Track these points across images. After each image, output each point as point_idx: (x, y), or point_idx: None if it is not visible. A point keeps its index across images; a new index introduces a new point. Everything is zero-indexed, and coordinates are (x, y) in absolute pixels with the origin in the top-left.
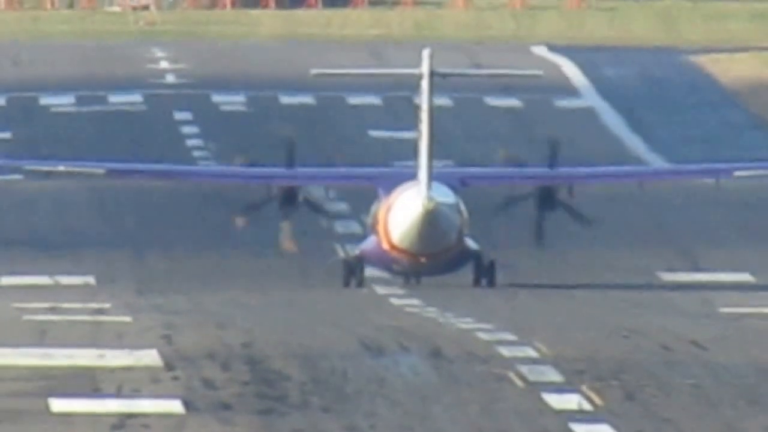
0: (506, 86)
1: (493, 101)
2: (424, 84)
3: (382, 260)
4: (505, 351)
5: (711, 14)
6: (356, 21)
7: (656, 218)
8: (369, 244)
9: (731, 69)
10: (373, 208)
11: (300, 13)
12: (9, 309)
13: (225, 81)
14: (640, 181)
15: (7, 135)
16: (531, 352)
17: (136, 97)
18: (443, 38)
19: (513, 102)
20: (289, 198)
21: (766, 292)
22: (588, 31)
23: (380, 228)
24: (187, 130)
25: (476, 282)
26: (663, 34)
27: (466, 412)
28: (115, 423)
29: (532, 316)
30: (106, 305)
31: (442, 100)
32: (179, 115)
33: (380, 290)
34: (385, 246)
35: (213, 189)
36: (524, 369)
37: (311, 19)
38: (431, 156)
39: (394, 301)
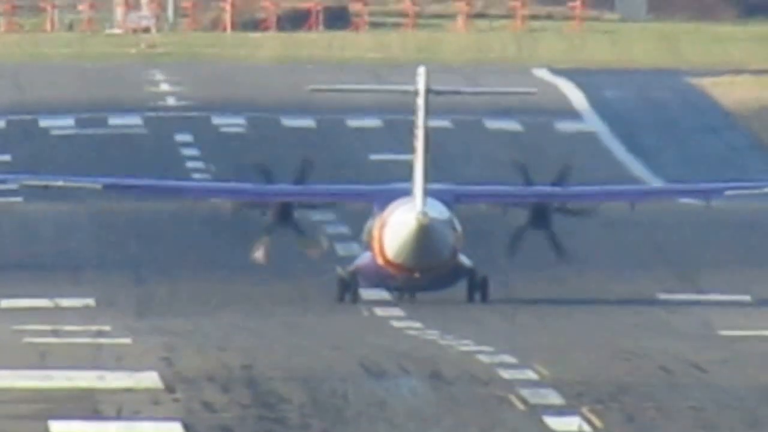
0: (507, 109)
1: (493, 124)
2: (419, 101)
3: (377, 275)
4: (505, 373)
5: (712, 37)
6: (357, 43)
7: (655, 240)
8: (364, 259)
9: (732, 92)
10: (368, 224)
11: (301, 35)
12: (8, 331)
13: (225, 103)
14: (632, 201)
15: (6, 157)
16: (531, 375)
17: (137, 120)
18: (444, 61)
19: (513, 125)
20: (283, 215)
21: (766, 314)
22: (589, 53)
23: (375, 243)
24: (187, 152)
25: (470, 297)
26: (664, 56)
27: None
28: None
29: (533, 338)
30: (106, 327)
31: (442, 123)
32: (180, 137)
33: (380, 312)
34: (380, 261)
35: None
36: (525, 391)
37: (312, 42)
38: (426, 172)
39: (395, 323)
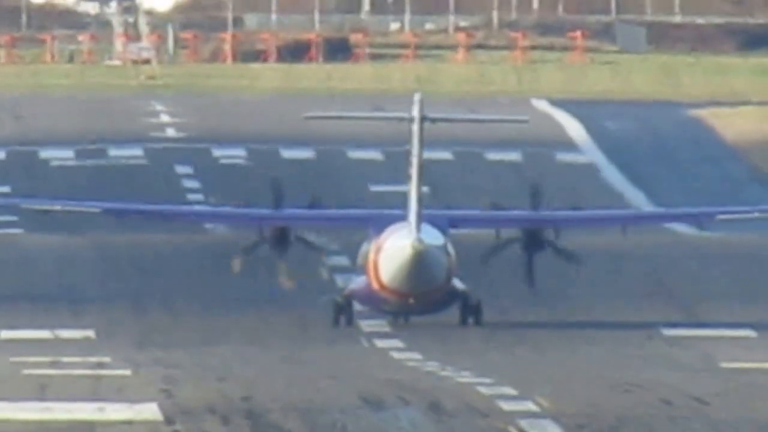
0: (508, 141)
1: (493, 156)
2: (415, 128)
3: (372, 300)
4: (505, 405)
5: (712, 68)
6: (357, 75)
7: (656, 272)
8: (359, 283)
9: (732, 123)
10: (363, 249)
11: (301, 67)
12: (8, 363)
13: (225, 135)
14: (623, 225)
15: (6, 189)
16: (531, 406)
17: (137, 151)
18: (444, 92)
19: (513, 156)
20: (281, 239)
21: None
22: (589, 84)
23: (370, 268)
24: (188, 184)
25: (463, 321)
26: (664, 87)
27: None
28: None
29: (533, 370)
30: (106, 359)
31: (443, 154)
32: (180, 169)
33: (380, 344)
34: (375, 286)
35: (212, 243)
36: (524, 423)
37: (312, 73)
38: (421, 198)
39: (395, 354)
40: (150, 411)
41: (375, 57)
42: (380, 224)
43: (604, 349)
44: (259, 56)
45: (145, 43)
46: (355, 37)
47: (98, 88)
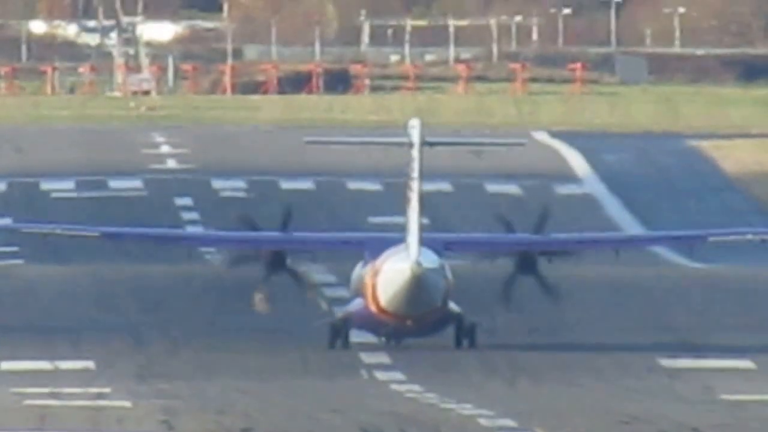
0: (508, 173)
1: (493, 188)
2: (414, 153)
3: (369, 322)
4: None
5: (712, 100)
6: (357, 106)
7: (656, 304)
8: (355, 306)
9: (732, 154)
10: (357, 271)
11: (301, 98)
12: (8, 394)
13: (225, 166)
14: (615, 248)
15: (7, 220)
16: None
17: (137, 183)
18: (444, 123)
19: (513, 188)
20: (276, 262)
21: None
22: (589, 116)
23: (368, 291)
24: (187, 216)
25: (458, 343)
26: (664, 119)
27: None
28: None
29: (533, 401)
30: (106, 390)
31: (443, 186)
32: (180, 201)
33: (380, 376)
34: (373, 308)
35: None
36: None
37: (312, 105)
38: (420, 222)
39: (395, 386)
40: None
41: (375, 88)
42: (376, 248)
43: (604, 380)
44: (259, 88)
45: (145, 74)
46: (355, 69)
47: (99, 119)
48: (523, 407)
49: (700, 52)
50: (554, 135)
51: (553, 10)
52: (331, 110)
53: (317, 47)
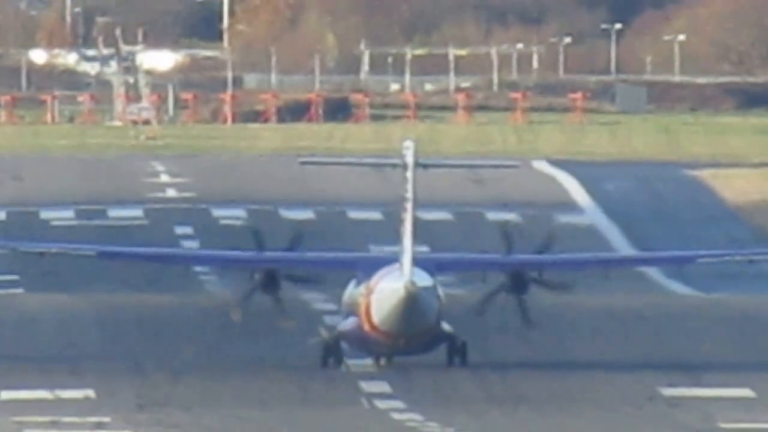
0: (508, 202)
1: (493, 216)
2: (408, 174)
3: (362, 341)
4: None
5: (712, 129)
6: (358, 135)
7: (656, 332)
8: (348, 325)
9: (732, 184)
10: (349, 291)
11: (301, 126)
12: (9, 423)
13: (225, 195)
14: (606, 268)
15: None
16: None
17: (137, 212)
18: (445, 152)
19: (513, 217)
20: (270, 282)
21: (767, 407)
22: (589, 145)
23: (361, 310)
24: (187, 244)
25: (449, 362)
26: (664, 148)
27: None
28: None
29: (534, 430)
30: (106, 419)
31: (443, 214)
32: (180, 230)
33: (381, 405)
34: (366, 327)
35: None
36: None
37: (312, 133)
38: (414, 242)
39: (395, 415)
40: None
41: (375, 117)
42: (369, 267)
43: (605, 409)
44: (259, 116)
45: (145, 103)
46: (355, 98)
47: (98, 148)
48: None
49: (700, 80)
50: (554, 164)
51: (553, 39)
52: (332, 139)
53: (317, 76)
